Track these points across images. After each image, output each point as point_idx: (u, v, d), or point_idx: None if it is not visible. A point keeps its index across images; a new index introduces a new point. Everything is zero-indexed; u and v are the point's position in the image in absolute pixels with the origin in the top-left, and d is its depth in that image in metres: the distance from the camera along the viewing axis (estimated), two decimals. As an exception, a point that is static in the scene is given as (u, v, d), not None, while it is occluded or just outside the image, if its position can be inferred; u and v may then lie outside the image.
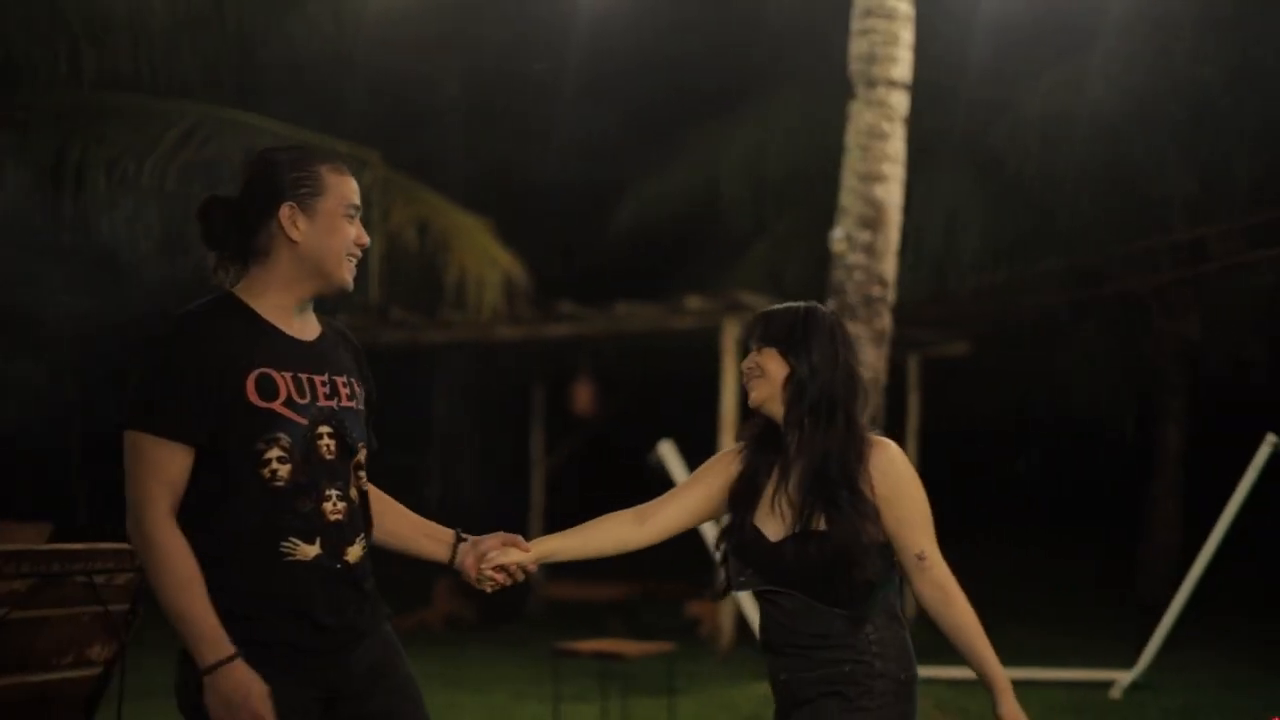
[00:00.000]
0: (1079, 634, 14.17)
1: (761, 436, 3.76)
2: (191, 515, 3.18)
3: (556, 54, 16.27)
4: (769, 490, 3.67)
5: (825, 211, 15.67)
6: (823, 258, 14.55)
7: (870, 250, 9.42)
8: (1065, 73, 14.98)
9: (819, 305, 3.77)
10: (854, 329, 9.39)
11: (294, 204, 3.29)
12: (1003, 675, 3.63)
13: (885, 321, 9.50)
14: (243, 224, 3.31)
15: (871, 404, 9.52)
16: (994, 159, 15.14)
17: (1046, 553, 19.90)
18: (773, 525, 3.64)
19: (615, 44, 15.93)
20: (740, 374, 3.81)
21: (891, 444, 3.68)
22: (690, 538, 4.42)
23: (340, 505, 3.27)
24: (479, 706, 10.03)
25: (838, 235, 9.56)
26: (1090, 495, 21.36)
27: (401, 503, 3.70)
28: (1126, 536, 17.75)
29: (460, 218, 12.02)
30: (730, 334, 12.58)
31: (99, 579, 5.36)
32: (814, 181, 16.24)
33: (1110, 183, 15.43)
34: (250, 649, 3.14)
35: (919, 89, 9.95)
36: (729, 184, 16.82)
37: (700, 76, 17.00)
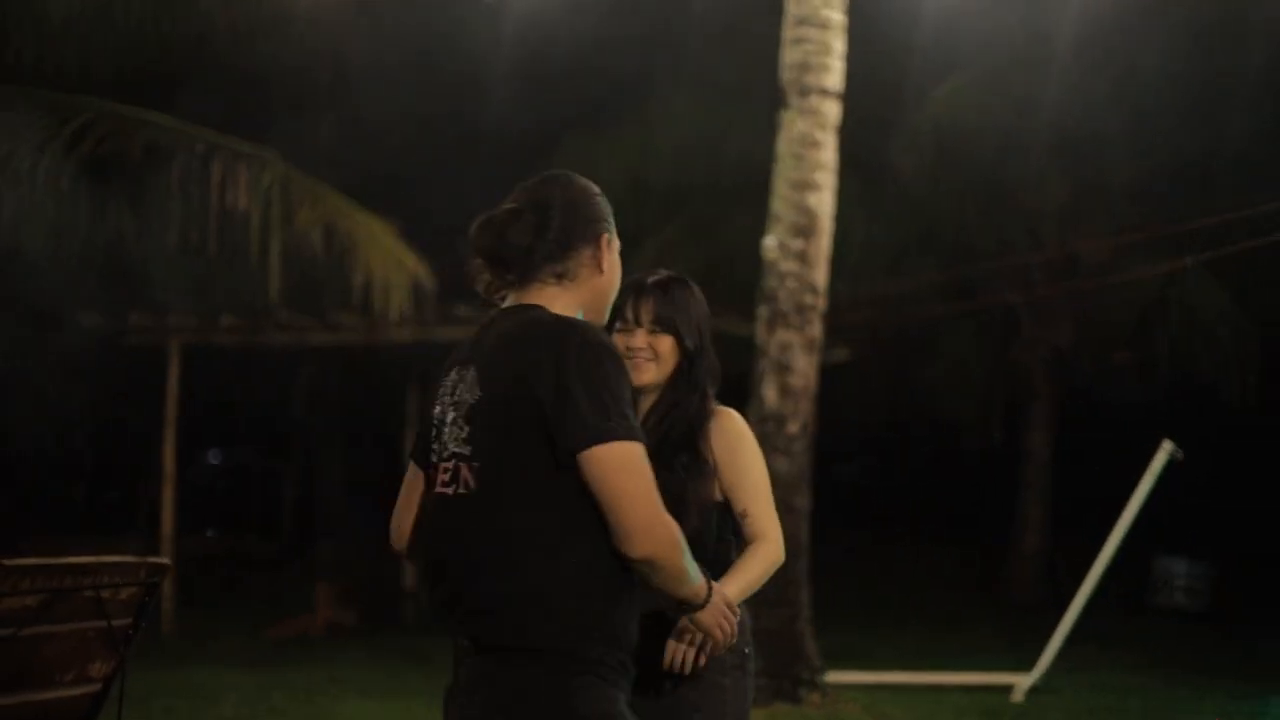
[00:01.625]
0: (962, 636, 14.38)
1: None
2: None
3: (457, 53, 16.11)
4: None
5: (711, 218, 15.83)
6: (707, 263, 14.67)
7: (803, 258, 9.44)
8: (953, 85, 15.24)
9: (685, 277, 3.93)
10: (786, 337, 9.42)
11: (609, 236, 3.26)
12: (731, 595, 3.48)
13: (817, 329, 9.51)
14: (550, 243, 3.20)
15: (803, 412, 9.61)
16: (878, 169, 15.33)
17: (921, 555, 20.20)
18: None
19: (516, 44, 15.84)
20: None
21: (733, 413, 3.85)
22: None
23: None
24: (396, 714, 9.86)
25: (770, 243, 9.56)
26: (962, 499, 21.74)
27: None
28: (997, 539, 18.13)
29: (365, 220, 11.79)
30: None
31: (104, 593, 5.24)
32: (699, 188, 16.33)
33: (991, 194, 15.74)
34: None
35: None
36: (612, 188, 16.74)
37: (591, 79, 16.95)
